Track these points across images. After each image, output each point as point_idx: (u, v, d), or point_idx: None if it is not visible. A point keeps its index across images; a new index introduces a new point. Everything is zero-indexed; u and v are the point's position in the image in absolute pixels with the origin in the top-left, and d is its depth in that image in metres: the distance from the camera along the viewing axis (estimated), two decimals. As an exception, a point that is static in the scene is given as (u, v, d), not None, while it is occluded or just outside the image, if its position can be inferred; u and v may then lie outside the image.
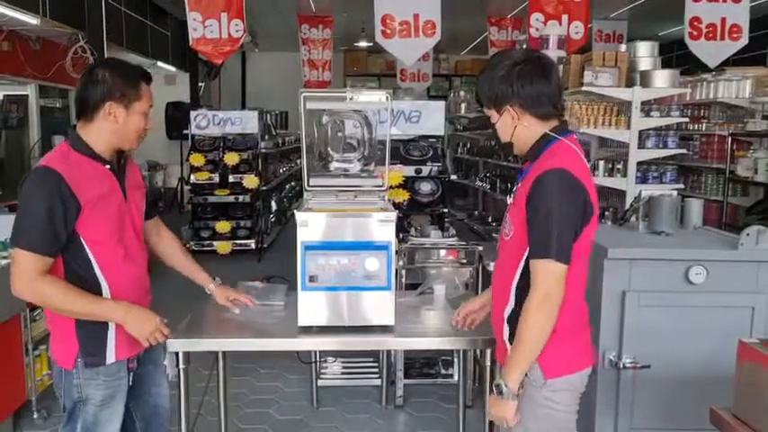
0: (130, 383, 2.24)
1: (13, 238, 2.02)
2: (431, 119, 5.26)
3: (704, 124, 7.28)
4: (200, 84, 12.96)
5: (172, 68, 11.76)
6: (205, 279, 2.60)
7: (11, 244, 2.03)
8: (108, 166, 2.15)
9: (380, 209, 2.55)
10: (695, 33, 7.35)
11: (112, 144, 2.15)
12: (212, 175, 8.13)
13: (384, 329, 2.36)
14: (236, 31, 7.07)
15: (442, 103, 5.41)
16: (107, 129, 2.11)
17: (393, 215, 2.32)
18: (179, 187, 11.69)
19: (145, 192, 2.36)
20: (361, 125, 2.62)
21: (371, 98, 2.68)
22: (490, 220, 9.53)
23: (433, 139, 5.36)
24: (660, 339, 2.72)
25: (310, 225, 2.31)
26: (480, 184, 10.04)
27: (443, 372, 4.22)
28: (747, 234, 2.69)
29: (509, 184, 8.29)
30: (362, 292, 2.33)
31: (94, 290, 2.10)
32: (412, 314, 2.59)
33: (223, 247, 8.15)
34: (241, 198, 8.18)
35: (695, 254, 2.73)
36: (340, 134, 2.64)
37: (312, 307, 2.34)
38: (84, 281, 2.09)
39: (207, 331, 2.47)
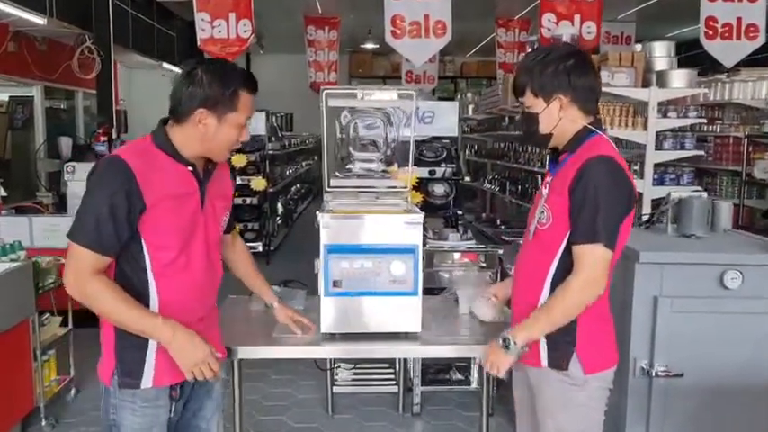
0: (171, 414, 1.97)
1: (71, 231, 1.81)
2: (444, 119, 5.17)
3: (719, 126, 7.17)
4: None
5: (178, 70, 11.65)
6: (271, 296, 2.38)
7: (67, 236, 1.81)
8: (190, 169, 1.92)
9: (404, 211, 2.46)
10: (711, 33, 7.23)
11: (199, 152, 1.93)
12: (220, 176, 8.03)
13: (409, 337, 2.27)
14: (245, 31, 6.99)
15: (455, 104, 5.33)
16: (195, 136, 1.90)
17: (420, 217, 2.23)
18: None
19: (230, 204, 2.14)
20: (384, 124, 2.52)
21: (392, 96, 2.58)
22: (498, 222, 9.42)
23: (446, 141, 5.26)
24: (693, 347, 2.62)
25: (333, 227, 2.22)
26: (489, 186, 9.94)
27: (456, 377, 4.12)
28: (785, 237, 2.59)
29: (519, 187, 8.20)
30: (388, 298, 2.24)
31: (141, 296, 1.86)
32: (436, 320, 2.49)
33: (230, 249, 8.05)
34: (248, 200, 8.09)
35: (730, 258, 2.64)
36: (362, 133, 2.54)
37: (335, 313, 2.24)
38: (132, 284, 1.86)
39: (225, 338, 2.36)
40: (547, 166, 2.17)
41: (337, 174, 2.63)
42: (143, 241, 1.84)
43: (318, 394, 4.06)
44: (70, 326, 4.02)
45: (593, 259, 1.88)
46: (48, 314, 3.91)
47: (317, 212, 2.26)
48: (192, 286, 1.94)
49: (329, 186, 2.55)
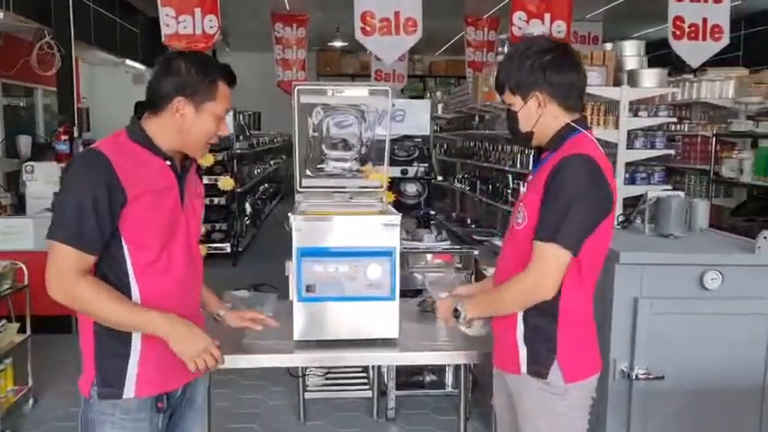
0: (160, 427, 1.86)
1: (50, 230, 1.72)
2: (415, 118, 5.11)
3: (686, 125, 7.22)
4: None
5: (141, 67, 11.40)
6: (215, 303, 2.21)
7: (47, 236, 1.72)
8: (168, 163, 1.85)
9: (380, 211, 2.37)
10: (678, 33, 7.32)
11: (176, 144, 1.85)
12: (186, 176, 7.84)
13: (387, 343, 2.18)
14: (211, 27, 6.83)
15: (427, 102, 5.26)
16: (172, 127, 1.83)
17: (397, 218, 2.14)
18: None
19: (203, 204, 2.06)
20: (357, 121, 2.43)
21: (366, 92, 2.48)
22: (469, 221, 9.39)
23: (418, 139, 5.19)
24: (674, 349, 2.57)
25: (306, 230, 2.12)
26: (459, 185, 9.91)
27: (431, 380, 4.04)
28: (765, 237, 2.56)
29: (490, 186, 8.16)
30: (364, 303, 2.14)
31: None
32: (412, 324, 2.41)
33: (197, 250, 7.87)
34: (216, 200, 7.92)
35: (710, 258, 2.60)
36: (335, 131, 2.45)
37: (309, 319, 2.14)
38: (113, 286, 1.77)
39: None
40: (530, 166, 2.10)
41: (309, 173, 2.53)
42: (123, 240, 1.76)
43: (289, 400, 3.95)
44: (28, 332, 3.85)
45: (547, 257, 1.81)
46: (4, 321, 3.73)
47: (289, 214, 2.16)
48: (174, 287, 1.85)
49: (301, 186, 2.45)
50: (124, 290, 1.78)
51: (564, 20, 7.22)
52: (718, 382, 2.56)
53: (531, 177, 2.00)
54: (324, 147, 2.48)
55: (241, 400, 4.04)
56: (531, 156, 2.16)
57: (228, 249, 7.98)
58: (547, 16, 7.17)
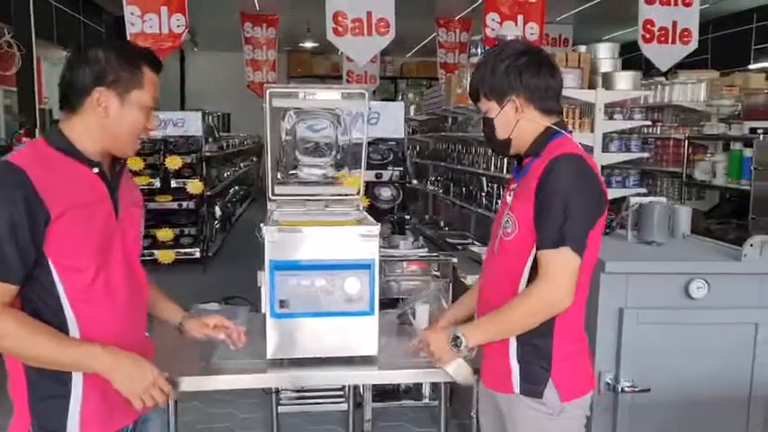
0: None
1: None
2: (389, 120, 5.00)
3: (659, 127, 7.23)
4: (136, 84, 12.32)
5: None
6: (176, 312, 2.02)
7: None
8: (96, 170, 1.63)
9: (357, 220, 2.26)
10: (648, 36, 7.37)
11: (102, 145, 1.64)
12: (152, 179, 7.64)
13: (366, 360, 2.06)
14: (178, 26, 6.64)
15: (400, 104, 5.15)
16: (94, 123, 1.62)
17: (376, 229, 2.03)
18: (115, 192, 11.04)
19: (143, 212, 1.85)
20: (333, 126, 2.31)
21: (342, 95, 2.36)
22: (442, 224, 9.32)
23: (392, 142, 5.08)
24: (660, 360, 2.50)
25: (279, 242, 1.99)
26: (432, 188, 9.83)
27: (407, 390, 3.93)
28: (751, 245, 2.51)
29: (463, 189, 8.09)
30: (341, 318, 2.02)
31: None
32: (391, 338, 2.29)
33: (165, 255, 7.66)
34: (185, 204, 7.71)
35: (696, 266, 2.53)
36: (309, 135, 2.32)
37: (283, 336, 2.01)
38: (44, 318, 1.56)
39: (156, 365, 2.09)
40: (511, 172, 2.01)
41: (280, 179, 2.40)
42: (50, 263, 1.55)
43: (262, 414, 3.81)
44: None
45: (559, 265, 1.71)
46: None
47: (262, 225, 2.03)
48: (116, 313, 1.66)
49: (273, 194, 2.32)
50: (59, 322, 1.57)
51: (537, 22, 7.18)
52: (705, 393, 2.50)
53: (515, 185, 1.90)
54: (297, 152, 2.35)
55: (210, 414, 3.89)
56: (512, 163, 2.05)
57: (198, 255, 7.79)
58: (520, 18, 7.13)
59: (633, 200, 2.90)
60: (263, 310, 2.98)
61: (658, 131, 7.18)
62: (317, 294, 2.00)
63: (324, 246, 2.01)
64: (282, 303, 1.99)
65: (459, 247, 6.51)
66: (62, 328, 1.58)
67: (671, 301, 2.51)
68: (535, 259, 1.78)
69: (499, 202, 6.55)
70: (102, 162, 1.66)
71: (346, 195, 2.34)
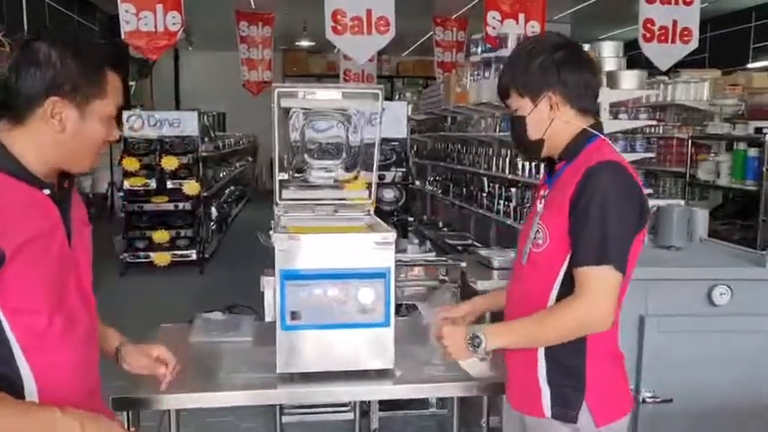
0: None
1: None
2: (393, 120, 4.87)
3: (661, 127, 7.15)
4: (131, 83, 12.20)
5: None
6: (112, 336, 1.69)
7: None
8: (47, 192, 1.38)
9: (368, 226, 2.16)
10: (648, 35, 7.30)
11: (55, 160, 1.39)
12: (148, 180, 7.51)
13: (381, 374, 1.96)
14: (174, 24, 6.51)
15: (403, 104, 5.04)
16: (48, 138, 1.36)
17: (392, 236, 1.93)
18: (109, 193, 10.92)
19: (90, 231, 1.57)
20: (344, 127, 2.21)
21: (354, 94, 2.26)
22: (441, 225, 9.24)
23: (395, 143, 4.97)
24: (682, 369, 2.42)
25: (290, 250, 1.88)
26: (431, 188, 9.74)
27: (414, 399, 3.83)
28: (776, 249, 2.42)
29: (464, 189, 8.00)
30: (355, 331, 1.92)
31: (11, 387, 1.30)
32: (402, 347, 2.19)
33: (161, 258, 7.54)
34: (181, 205, 7.58)
35: (719, 272, 2.45)
36: (318, 137, 2.22)
37: (294, 350, 1.91)
38: None
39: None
40: (542, 178, 1.89)
41: (285, 181, 2.30)
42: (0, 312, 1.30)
43: (264, 423, 3.70)
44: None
45: (600, 283, 1.58)
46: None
47: (271, 232, 1.92)
48: (76, 355, 1.42)
49: (281, 199, 2.22)
50: (12, 374, 1.32)
51: (538, 20, 7.10)
52: (730, 403, 2.42)
53: (545, 192, 1.77)
54: (305, 155, 2.25)
55: (211, 424, 3.77)
56: (542, 167, 1.94)
57: (194, 256, 7.66)
58: (521, 16, 7.05)
59: (651, 202, 2.81)
60: (266, 318, 2.90)
61: (661, 131, 7.10)
62: (330, 305, 1.90)
63: (336, 254, 1.91)
64: (294, 315, 1.89)
65: (460, 247, 6.41)
66: (16, 382, 1.33)
67: (693, 308, 2.43)
68: (567, 273, 1.66)
69: (501, 202, 6.50)
70: (52, 178, 1.41)
71: (357, 200, 2.23)
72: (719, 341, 2.42)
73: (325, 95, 2.12)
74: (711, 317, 2.43)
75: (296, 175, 2.36)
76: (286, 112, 2.23)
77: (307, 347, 1.91)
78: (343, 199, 2.24)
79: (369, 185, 2.33)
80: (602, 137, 1.72)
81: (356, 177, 2.29)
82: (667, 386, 2.39)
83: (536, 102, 1.70)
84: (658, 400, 2.39)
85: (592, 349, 1.68)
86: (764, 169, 4.92)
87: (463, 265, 3.30)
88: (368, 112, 2.28)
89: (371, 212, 2.29)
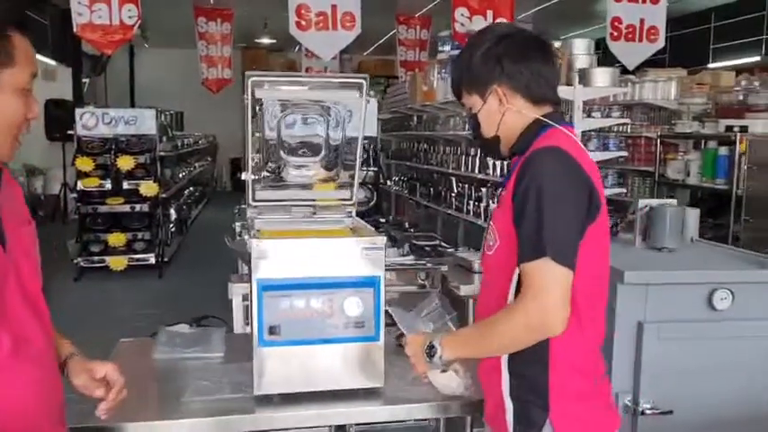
0: None
1: None
2: (349, 123, 4.69)
3: (629, 126, 7.12)
4: (83, 80, 11.74)
5: (52, 62, 10.54)
6: (63, 346, 1.46)
7: None
8: None
9: (351, 229, 1.97)
10: (615, 34, 7.34)
11: None
12: (103, 181, 7.17)
13: (370, 394, 1.77)
14: (129, 17, 6.22)
15: (373, 101, 4.85)
16: None
17: (382, 240, 1.74)
18: (62, 194, 10.48)
19: (35, 231, 1.36)
20: (324, 120, 2.02)
21: (337, 84, 2.06)
22: (407, 226, 9.10)
23: (365, 141, 4.77)
24: (682, 378, 2.28)
25: (269, 257, 1.68)
26: (396, 188, 9.59)
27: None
28: (778, 251, 2.31)
29: (431, 189, 7.87)
30: (342, 346, 1.72)
31: None
32: (389, 362, 2.00)
33: (117, 262, 7.20)
34: (138, 207, 7.26)
35: (720, 276, 2.32)
36: (296, 132, 2.02)
37: (273, 369, 1.70)
38: None
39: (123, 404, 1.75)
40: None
41: (258, 181, 2.09)
42: None
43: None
44: None
45: (539, 278, 1.40)
46: None
47: (246, 237, 1.72)
48: (32, 377, 1.24)
49: (254, 200, 2.01)
50: None
51: (506, 17, 7.00)
52: (734, 414, 2.29)
53: (501, 190, 1.64)
54: (282, 151, 2.04)
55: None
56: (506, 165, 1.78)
57: (153, 260, 7.34)
58: (489, 13, 6.94)
59: (642, 202, 2.69)
60: (235, 330, 2.68)
61: (628, 130, 7.06)
62: (313, 318, 1.70)
63: (320, 261, 1.71)
64: (272, 330, 1.69)
65: (428, 248, 6.26)
66: None
67: (693, 313, 2.30)
68: (520, 275, 1.49)
69: (470, 202, 6.37)
70: None
71: (339, 201, 2.04)
72: (721, 348, 2.30)
73: (305, 86, 1.92)
74: (712, 322, 2.30)
75: (269, 173, 2.15)
76: (263, 105, 2.02)
77: (288, 366, 1.70)
78: (325, 200, 2.04)
79: (349, 185, 2.14)
80: (559, 127, 1.55)
81: (338, 176, 2.09)
82: (667, 397, 2.26)
83: (484, 97, 1.59)
84: (658, 411, 2.25)
85: (556, 362, 1.50)
86: (746, 167, 4.87)
87: (444, 268, 3.13)
88: (348, 106, 2.09)
89: (353, 214, 2.10)
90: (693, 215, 2.83)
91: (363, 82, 1.90)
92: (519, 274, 1.47)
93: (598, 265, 1.55)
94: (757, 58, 10.15)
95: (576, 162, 1.47)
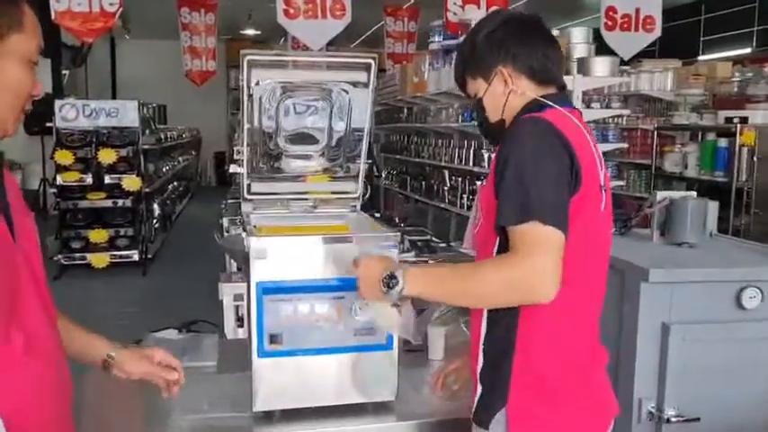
0: None
1: None
2: (356, 109, 4.51)
3: (624, 118, 7.00)
4: (63, 71, 11.43)
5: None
6: (102, 343, 1.42)
7: None
8: None
9: (355, 224, 1.79)
10: (610, 24, 7.22)
11: None
12: (84, 175, 6.93)
13: (381, 408, 1.59)
14: (111, 3, 5.99)
15: (367, 91, 4.64)
16: None
17: (397, 236, 1.57)
18: (41, 190, 10.19)
19: (34, 221, 1.26)
20: (329, 105, 1.84)
21: (342, 65, 1.88)
22: (398, 221, 8.95)
23: (359, 133, 4.59)
24: (709, 383, 2.13)
25: (270, 256, 1.50)
26: (386, 181, 9.42)
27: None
28: (811, 246, 2.16)
29: (422, 183, 7.71)
30: (351, 356, 1.55)
31: None
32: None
33: (99, 259, 6.97)
34: (120, 202, 7.03)
35: (749, 273, 2.17)
36: (296, 119, 1.84)
37: (274, 382, 1.52)
38: None
39: (107, 424, 1.57)
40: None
41: (254, 172, 1.91)
42: None
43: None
44: None
45: (531, 240, 1.29)
46: None
47: (246, 236, 1.53)
48: (42, 373, 1.16)
49: (250, 193, 1.83)
50: None
51: (500, 5, 6.84)
52: (763, 421, 2.15)
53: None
54: (280, 139, 1.86)
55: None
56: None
57: (136, 257, 7.12)
58: (483, 1, 6.77)
59: (660, 194, 2.53)
60: (227, 333, 2.49)
61: (624, 122, 6.94)
62: (319, 325, 1.52)
63: (327, 260, 1.53)
64: (274, 338, 1.51)
65: (420, 243, 6.10)
66: None
67: (721, 313, 2.15)
68: (500, 250, 1.39)
69: (464, 196, 6.21)
70: None
71: (343, 193, 1.86)
72: (751, 350, 2.15)
73: (307, 66, 1.74)
74: (741, 322, 2.15)
75: (264, 165, 1.97)
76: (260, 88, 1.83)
77: (291, 378, 1.53)
78: (326, 192, 1.86)
79: (353, 177, 1.97)
80: (557, 107, 1.44)
81: (340, 166, 1.91)
82: (694, 403, 2.11)
83: (489, 80, 1.53)
84: (684, 418, 2.10)
85: (523, 345, 1.39)
86: (756, 159, 4.75)
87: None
88: (352, 90, 1.92)
89: (358, 208, 1.92)
90: (713, 208, 2.67)
91: (372, 62, 1.73)
92: (499, 245, 1.39)
93: (588, 241, 1.41)
94: (748, 50, 10.09)
95: (560, 131, 1.37)
